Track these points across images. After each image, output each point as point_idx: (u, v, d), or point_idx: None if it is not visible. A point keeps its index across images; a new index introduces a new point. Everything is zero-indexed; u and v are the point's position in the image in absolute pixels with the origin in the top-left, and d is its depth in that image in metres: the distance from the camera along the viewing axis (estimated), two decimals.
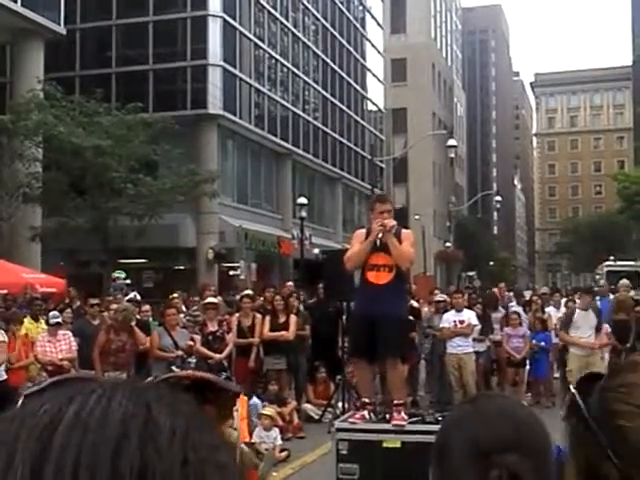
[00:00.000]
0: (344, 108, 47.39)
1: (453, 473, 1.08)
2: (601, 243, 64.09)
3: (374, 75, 53.99)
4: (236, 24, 34.15)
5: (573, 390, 0.84)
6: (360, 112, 50.75)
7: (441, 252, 55.87)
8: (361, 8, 52.30)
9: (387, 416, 6.59)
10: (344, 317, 11.16)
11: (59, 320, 10.48)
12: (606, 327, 11.91)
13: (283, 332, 11.83)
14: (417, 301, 14.62)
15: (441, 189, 64.71)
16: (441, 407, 8.96)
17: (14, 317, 11.06)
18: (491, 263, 69.32)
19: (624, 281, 16.25)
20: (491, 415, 1.12)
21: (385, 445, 6.29)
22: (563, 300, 15.18)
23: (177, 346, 10.44)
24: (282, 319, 12.00)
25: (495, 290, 17.43)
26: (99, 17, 33.37)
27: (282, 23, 39.43)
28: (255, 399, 10.48)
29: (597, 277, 34.71)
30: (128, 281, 18.32)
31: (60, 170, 23.61)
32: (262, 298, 13.85)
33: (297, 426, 10.89)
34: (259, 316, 12.04)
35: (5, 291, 14.14)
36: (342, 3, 47.66)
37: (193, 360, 10.57)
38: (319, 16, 44.14)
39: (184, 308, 13.80)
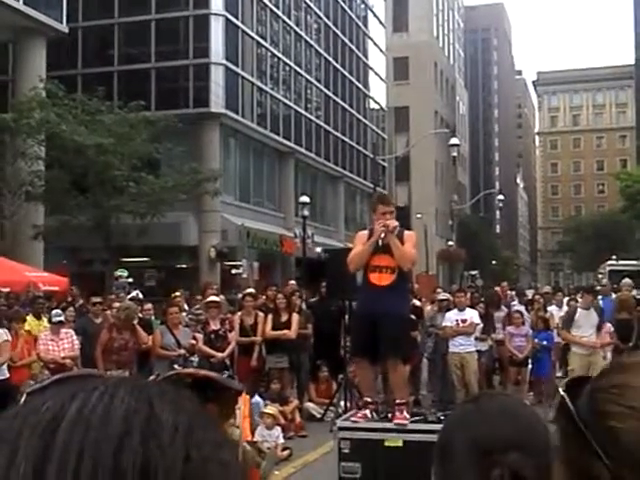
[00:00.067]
0: (346, 107, 47.38)
1: (455, 472, 1.08)
2: (603, 242, 64.02)
3: (376, 73, 53.96)
4: (238, 22, 34.15)
5: (562, 392, 0.84)
6: (362, 111, 50.73)
7: (443, 251, 55.86)
8: (363, 6, 52.27)
9: (389, 415, 6.59)
10: (346, 316, 11.16)
11: (61, 318, 10.50)
12: (608, 326, 11.89)
13: (285, 331, 11.83)
14: (419, 300, 14.61)
15: (443, 188, 64.68)
16: (443, 406, 8.95)
17: (16, 315, 11.05)
18: (493, 262, 69.28)
19: (626, 280, 16.25)
20: (493, 414, 1.12)
21: (387, 444, 6.29)
22: (565, 299, 15.18)
23: (179, 345, 10.44)
24: (284, 318, 12.00)
25: (497, 289, 17.39)
26: (101, 15, 33.39)
27: (284, 21, 39.42)
28: (257, 398, 10.48)
29: (599, 276, 34.73)
30: (130, 279, 18.33)
31: (62, 168, 23.63)
32: (264, 297, 13.84)
33: (299, 425, 10.89)
34: (261, 315, 12.04)
35: (8, 289, 14.15)
36: (344, 1, 47.65)
37: (195, 359, 10.58)
38: (321, 14, 44.13)
39: (186, 307, 13.82)
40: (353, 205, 50.00)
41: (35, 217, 24.39)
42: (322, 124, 43.48)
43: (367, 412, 6.61)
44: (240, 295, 14.07)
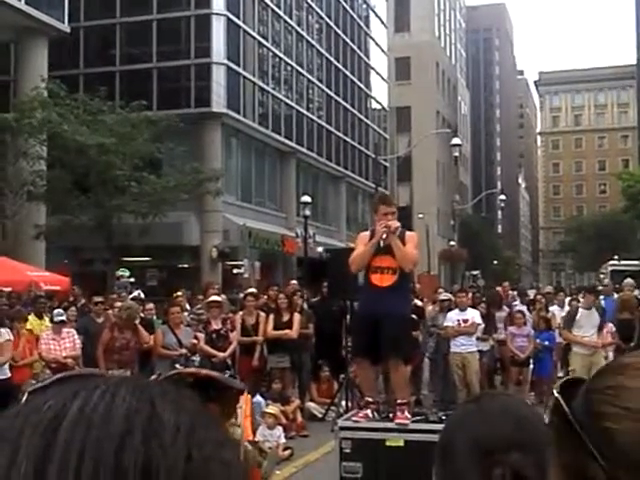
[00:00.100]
0: (348, 107, 47.39)
1: (457, 472, 1.08)
2: (605, 242, 64.01)
3: (378, 74, 53.95)
4: (240, 22, 34.17)
5: (556, 393, 0.84)
6: (364, 111, 50.73)
7: (445, 251, 55.85)
8: (365, 7, 52.27)
9: (390, 415, 6.59)
10: (348, 316, 11.16)
11: (63, 318, 10.52)
12: (610, 326, 11.89)
13: (287, 330, 11.84)
14: (421, 300, 14.61)
15: (445, 188, 64.67)
16: (445, 406, 8.95)
17: (18, 315, 11.07)
18: (495, 262, 69.24)
19: (628, 280, 16.25)
20: (494, 414, 1.12)
21: (388, 444, 6.29)
22: (567, 299, 15.17)
23: (181, 344, 10.45)
24: (286, 317, 12.00)
25: (499, 289, 17.38)
26: (103, 15, 33.42)
27: (286, 21, 39.42)
28: (259, 397, 10.48)
29: (601, 276, 34.73)
30: (132, 279, 18.36)
31: (64, 168, 23.65)
32: (266, 296, 13.85)
33: (300, 424, 10.89)
34: (263, 314, 12.05)
35: (9, 289, 14.16)
36: (346, 1, 47.65)
37: (197, 358, 10.58)
38: (323, 15, 44.13)
39: (188, 306, 13.82)
40: (355, 205, 50.01)
41: (37, 217, 24.42)
42: (324, 124, 43.49)
43: (368, 412, 6.61)
44: (242, 295, 14.08)
